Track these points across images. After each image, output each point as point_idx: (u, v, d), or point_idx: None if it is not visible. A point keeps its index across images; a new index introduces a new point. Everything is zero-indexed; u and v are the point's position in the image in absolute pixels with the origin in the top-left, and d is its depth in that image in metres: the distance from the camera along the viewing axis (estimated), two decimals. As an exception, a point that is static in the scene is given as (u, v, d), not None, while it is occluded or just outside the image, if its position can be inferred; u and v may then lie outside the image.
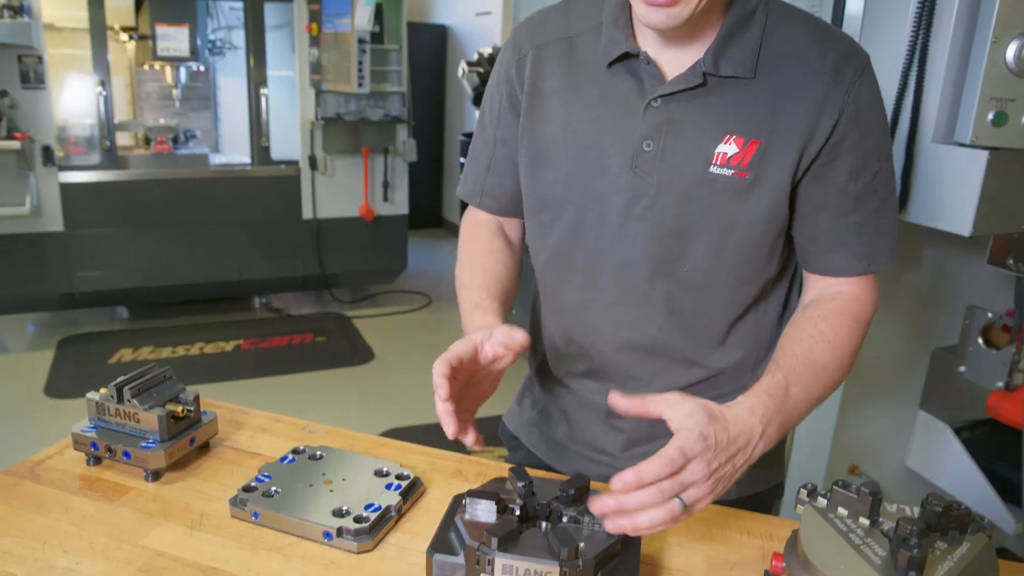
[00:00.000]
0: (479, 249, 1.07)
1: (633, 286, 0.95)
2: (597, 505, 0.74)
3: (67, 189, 3.69)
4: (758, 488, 1.11)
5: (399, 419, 3.24)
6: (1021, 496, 1.92)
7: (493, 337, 0.86)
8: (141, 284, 3.98)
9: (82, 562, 0.81)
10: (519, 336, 0.84)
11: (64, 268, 3.78)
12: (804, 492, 0.75)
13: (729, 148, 0.88)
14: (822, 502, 0.74)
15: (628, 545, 0.79)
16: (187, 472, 0.99)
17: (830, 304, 0.94)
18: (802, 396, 0.84)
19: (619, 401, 0.77)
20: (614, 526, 0.74)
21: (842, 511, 0.73)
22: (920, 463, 2.18)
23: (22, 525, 0.87)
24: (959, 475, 2.02)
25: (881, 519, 0.72)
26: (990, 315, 1.92)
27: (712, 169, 0.89)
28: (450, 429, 0.83)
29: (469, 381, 0.91)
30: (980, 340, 1.95)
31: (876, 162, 0.91)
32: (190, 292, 4.20)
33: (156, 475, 0.97)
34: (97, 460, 1.00)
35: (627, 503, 0.72)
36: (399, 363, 3.94)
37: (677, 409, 0.75)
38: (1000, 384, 1.89)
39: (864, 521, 0.71)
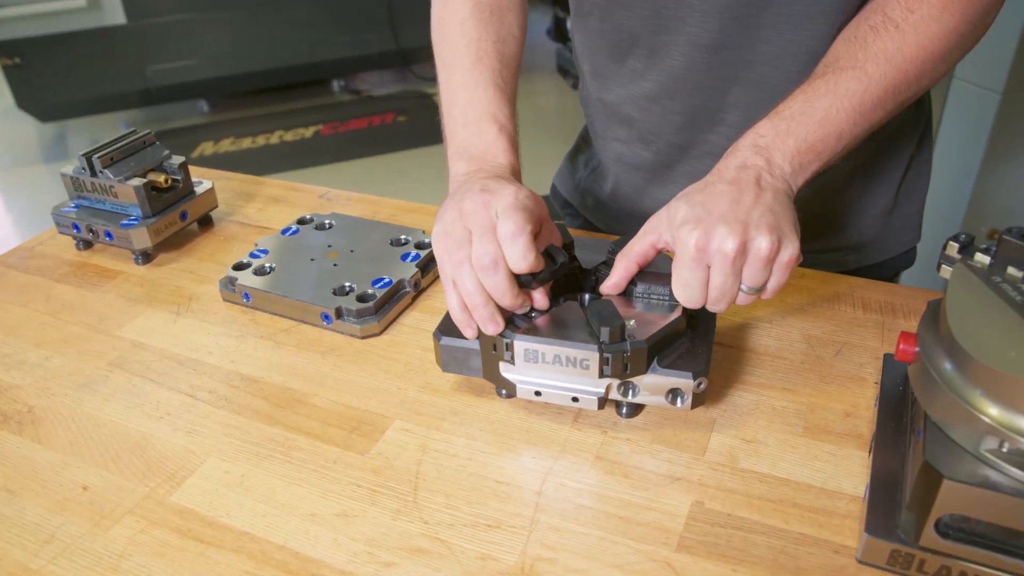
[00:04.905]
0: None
1: None
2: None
3: (121, -24, 3.48)
4: (886, 254, 0.88)
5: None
6: None
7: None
8: (214, 74, 3.82)
9: (52, 357, 0.69)
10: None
11: (135, 63, 3.64)
12: (955, 247, 0.51)
13: None
14: (982, 259, 0.50)
15: (697, 323, 0.60)
16: (183, 252, 0.85)
17: None
18: (838, 107, 0.60)
19: (609, 286, 0.60)
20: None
21: (1014, 272, 0.49)
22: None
23: (-4, 316, 0.76)
24: None
25: (1073, 282, 0.48)
26: None
27: None
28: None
29: None
30: None
31: None
32: (265, 79, 4.01)
33: (146, 256, 0.83)
34: (87, 244, 0.87)
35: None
36: (483, 141, 3.72)
37: (654, 229, 0.58)
38: None
39: (1046, 285, 0.48)
